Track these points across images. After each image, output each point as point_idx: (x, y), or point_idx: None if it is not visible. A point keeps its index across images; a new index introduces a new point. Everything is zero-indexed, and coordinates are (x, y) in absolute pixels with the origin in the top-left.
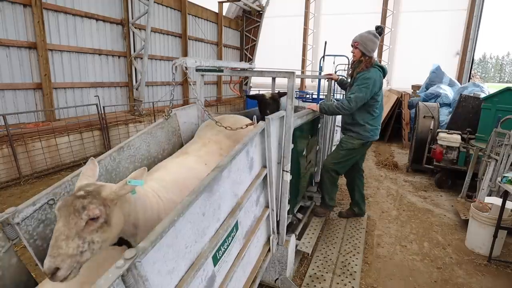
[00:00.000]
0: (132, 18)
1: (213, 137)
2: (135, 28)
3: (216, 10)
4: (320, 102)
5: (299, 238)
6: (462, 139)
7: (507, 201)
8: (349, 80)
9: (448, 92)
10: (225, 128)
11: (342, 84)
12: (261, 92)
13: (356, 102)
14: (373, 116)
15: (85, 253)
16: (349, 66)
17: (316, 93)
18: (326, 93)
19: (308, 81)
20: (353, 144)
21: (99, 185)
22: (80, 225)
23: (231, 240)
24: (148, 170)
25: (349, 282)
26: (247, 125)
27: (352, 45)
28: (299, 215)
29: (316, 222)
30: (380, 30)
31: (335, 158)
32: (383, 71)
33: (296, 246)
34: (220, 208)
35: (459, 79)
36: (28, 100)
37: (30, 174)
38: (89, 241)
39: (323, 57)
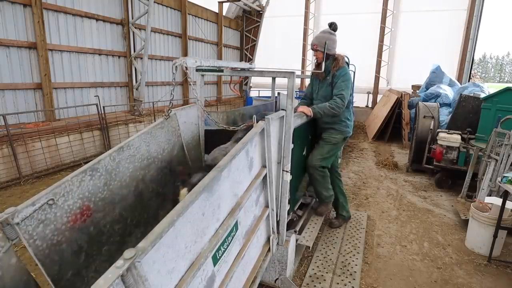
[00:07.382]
0: (132, 18)
1: None
2: (135, 28)
3: (216, 10)
4: (312, 106)
5: (299, 233)
6: (462, 139)
7: (507, 201)
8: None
9: (448, 92)
10: (225, 128)
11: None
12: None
13: (346, 98)
14: (350, 111)
15: None
16: (315, 68)
17: None
18: None
19: (308, 81)
20: (336, 139)
21: None
22: None
23: (231, 240)
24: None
25: (349, 282)
26: (246, 125)
27: (312, 49)
28: (300, 212)
29: (317, 218)
30: (334, 26)
31: (321, 154)
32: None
33: (297, 240)
34: (219, 208)
35: (459, 79)
36: (28, 100)
37: (30, 174)
38: None
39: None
